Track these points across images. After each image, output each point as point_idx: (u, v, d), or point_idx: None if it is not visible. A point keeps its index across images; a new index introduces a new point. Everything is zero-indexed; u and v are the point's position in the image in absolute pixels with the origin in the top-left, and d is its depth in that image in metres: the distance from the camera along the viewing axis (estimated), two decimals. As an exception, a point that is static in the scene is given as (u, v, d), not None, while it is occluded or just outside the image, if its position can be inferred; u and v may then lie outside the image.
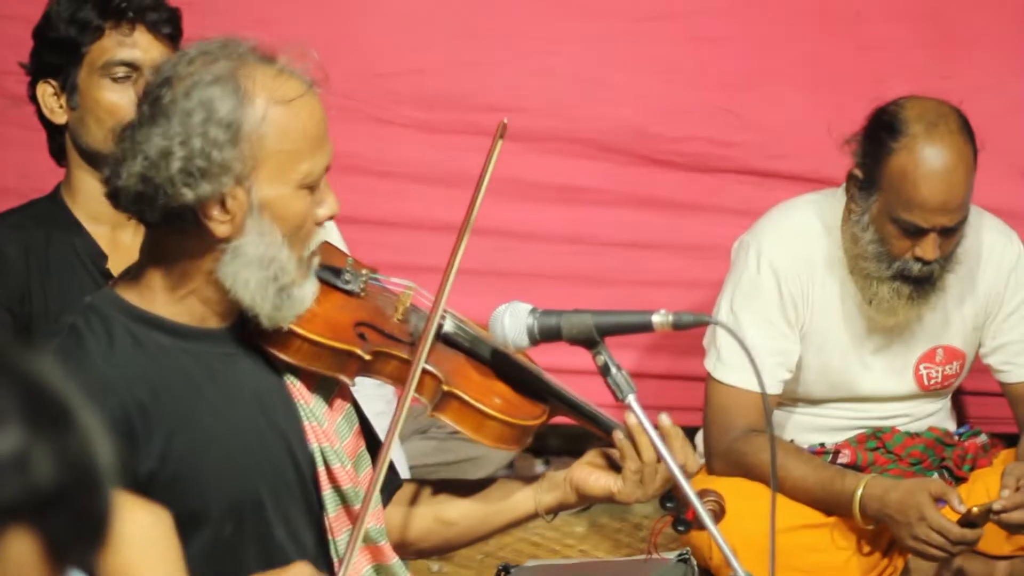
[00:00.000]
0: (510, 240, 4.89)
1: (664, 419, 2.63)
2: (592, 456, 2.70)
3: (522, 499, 2.72)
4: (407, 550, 2.78)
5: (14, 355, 1.35)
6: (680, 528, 2.63)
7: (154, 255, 2.49)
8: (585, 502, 2.71)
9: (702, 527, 2.62)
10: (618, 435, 2.64)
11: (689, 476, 2.58)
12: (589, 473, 2.66)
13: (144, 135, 2.40)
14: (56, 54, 3.27)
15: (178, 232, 2.44)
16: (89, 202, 3.26)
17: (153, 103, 2.41)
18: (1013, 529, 3.71)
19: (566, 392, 2.72)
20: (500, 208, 4.84)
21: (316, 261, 2.54)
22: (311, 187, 2.47)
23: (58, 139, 3.33)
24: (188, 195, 2.38)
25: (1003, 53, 4.86)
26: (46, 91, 3.30)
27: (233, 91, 2.39)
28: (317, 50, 4.41)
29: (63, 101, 3.28)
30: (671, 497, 2.66)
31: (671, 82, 4.86)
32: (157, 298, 2.48)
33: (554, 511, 2.72)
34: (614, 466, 2.66)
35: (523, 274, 4.87)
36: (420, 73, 4.84)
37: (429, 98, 4.83)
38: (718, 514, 2.68)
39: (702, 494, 2.66)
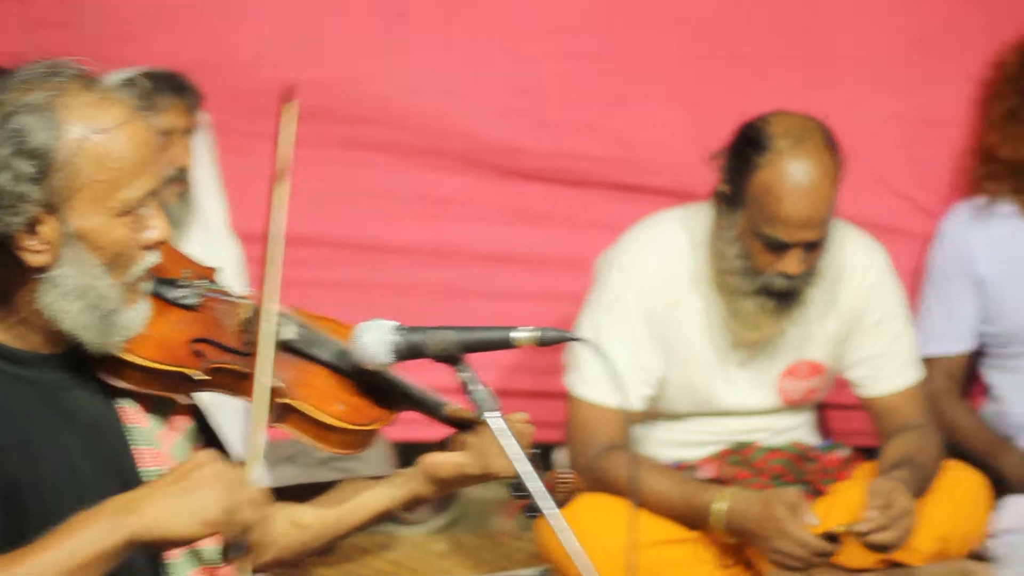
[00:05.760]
0: (373, 253, 4.85)
1: (520, 416, 2.64)
2: (440, 446, 2.71)
3: (375, 496, 2.73)
4: (264, 556, 2.74)
5: None
6: (530, 514, 2.61)
7: None
8: (441, 491, 2.71)
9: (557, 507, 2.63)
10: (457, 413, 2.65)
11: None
12: (437, 456, 2.68)
13: None
14: None
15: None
16: None
17: None
18: (879, 549, 3.73)
19: (413, 387, 2.68)
20: (365, 221, 4.81)
21: (146, 285, 2.49)
22: (132, 213, 2.41)
23: None
24: None
25: (869, 69, 4.91)
26: None
27: (48, 122, 2.35)
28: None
29: None
30: (521, 484, 2.64)
31: (541, 98, 4.85)
32: None
33: (409, 505, 2.73)
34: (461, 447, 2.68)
35: (386, 287, 4.83)
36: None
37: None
38: (571, 493, 2.67)
39: (555, 477, 2.66)
